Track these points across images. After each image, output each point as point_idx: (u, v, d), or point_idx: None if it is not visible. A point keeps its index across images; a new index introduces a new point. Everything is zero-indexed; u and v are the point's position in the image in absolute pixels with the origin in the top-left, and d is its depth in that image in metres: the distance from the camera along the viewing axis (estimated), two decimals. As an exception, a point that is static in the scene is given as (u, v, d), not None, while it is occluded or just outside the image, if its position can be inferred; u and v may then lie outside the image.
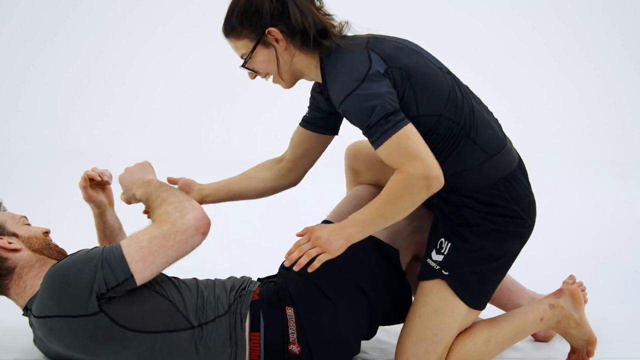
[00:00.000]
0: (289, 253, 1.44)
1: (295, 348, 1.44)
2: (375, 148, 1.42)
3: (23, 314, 1.50)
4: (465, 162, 1.48)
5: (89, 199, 1.74)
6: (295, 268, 1.41)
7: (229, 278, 1.60)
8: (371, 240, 1.55)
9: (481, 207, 1.54)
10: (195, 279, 1.57)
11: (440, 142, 1.48)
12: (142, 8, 4.62)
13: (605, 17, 4.89)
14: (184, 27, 4.59)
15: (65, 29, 4.59)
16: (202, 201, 1.67)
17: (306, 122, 1.72)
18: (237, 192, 1.75)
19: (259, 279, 1.63)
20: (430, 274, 1.57)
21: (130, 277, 1.37)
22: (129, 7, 4.61)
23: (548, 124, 4.62)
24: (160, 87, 4.54)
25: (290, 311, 1.46)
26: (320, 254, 1.41)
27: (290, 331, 1.45)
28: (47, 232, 1.61)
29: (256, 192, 1.76)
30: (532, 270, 2.32)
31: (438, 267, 1.55)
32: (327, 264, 1.45)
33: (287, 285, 1.51)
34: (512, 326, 1.63)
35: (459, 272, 1.54)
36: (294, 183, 1.78)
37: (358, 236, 1.42)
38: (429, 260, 1.58)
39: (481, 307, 1.59)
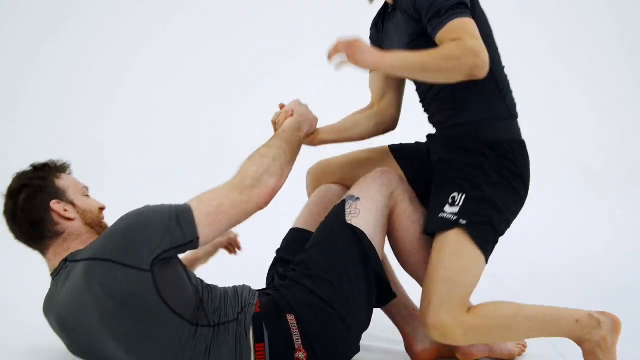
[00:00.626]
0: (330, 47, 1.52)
1: (302, 355, 1.43)
2: (441, 26, 1.49)
3: (54, 272, 1.48)
4: (491, 111, 1.62)
5: (219, 244, 2.10)
6: (328, 61, 1.52)
7: (231, 287, 1.59)
8: (348, 229, 1.55)
9: (496, 158, 1.61)
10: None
11: (479, 81, 1.51)
12: (142, 8, 4.61)
13: (609, 17, 4.86)
14: (184, 27, 4.59)
15: (65, 29, 4.58)
16: (311, 139, 1.78)
17: None
18: (342, 128, 1.85)
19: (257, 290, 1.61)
20: (447, 224, 1.57)
21: (195, 239, 1.40)
22: (129, 7, 4.60)
23: (551, 124, 4.60)
24: (160, 87, 4.53)
25: (291, 318, 1.45)
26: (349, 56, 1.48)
27: (295, 338, 1.43)
28: (102, 209, 1.60)
29: (361, 129, 1.86)
30: (536, 273, 2.30)
31: (455, 217, 1.57)
32: (316, 265, 1.48)
33: (284, 295, 1.50)
34: (545, 310, 1.58)
35: (476, 221, 1.56)
36: (395, 117, 1.89)
37: (386, 64, 1.48)
38: (442, 214, 1.59)
39: (487, 257, 1.59)
